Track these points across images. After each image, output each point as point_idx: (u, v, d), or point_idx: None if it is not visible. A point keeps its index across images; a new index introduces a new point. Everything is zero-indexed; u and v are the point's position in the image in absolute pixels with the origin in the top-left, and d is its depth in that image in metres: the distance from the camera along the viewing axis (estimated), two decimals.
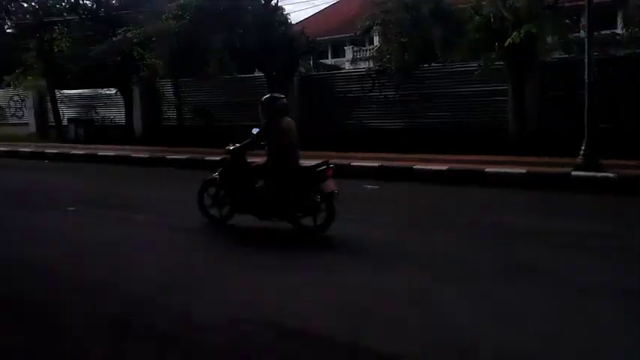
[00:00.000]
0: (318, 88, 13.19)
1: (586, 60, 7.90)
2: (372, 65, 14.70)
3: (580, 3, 8.29)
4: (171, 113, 15.50)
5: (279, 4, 13.83)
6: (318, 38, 16.97)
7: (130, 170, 10.77)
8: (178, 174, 10.08)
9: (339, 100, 12.81)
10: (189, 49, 14.07)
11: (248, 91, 13.62)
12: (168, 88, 15.47)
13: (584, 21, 9.17)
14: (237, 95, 14.04)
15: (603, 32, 12.36)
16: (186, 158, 11.09)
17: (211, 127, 14.17)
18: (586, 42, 7.97)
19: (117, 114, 16.71)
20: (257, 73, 14.45)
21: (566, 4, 10.55)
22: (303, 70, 14.54)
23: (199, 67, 13.92)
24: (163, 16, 14.50)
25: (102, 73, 14.84)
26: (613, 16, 16.74)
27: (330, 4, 27.48)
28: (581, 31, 10.81)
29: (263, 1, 13.34)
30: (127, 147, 13.77)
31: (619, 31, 13.54)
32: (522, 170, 7.79)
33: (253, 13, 13.34)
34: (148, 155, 11.88)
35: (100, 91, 16.80)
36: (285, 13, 15.57)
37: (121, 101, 16.11)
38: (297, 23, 19.24)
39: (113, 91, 16.30)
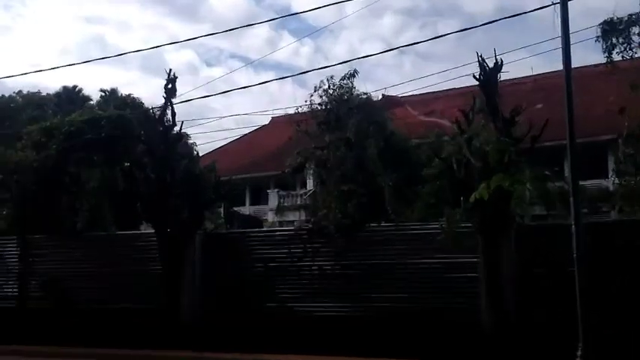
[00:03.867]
0: (230, 252, 13.19)
1: (573, 227, 8.38)
2: (303, 218, 15.52)
3: (564, 142, 8.93)
4: (10, 289, 14.45)
5: (182, 131, 14.28)
6: (234, 177, 17.48)
7: None
8: None
9: (259, 271, 12.79)
10: (51, 190, 14.06)
11: (131, 256, 13.51)
12: (10, 251, 14.64)
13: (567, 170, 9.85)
14: (113, 262, 13.67)
15: (590, 182, 13.33)
16: None
17: (69, 310, 13.37)
18: (572, 207, 8.43)
19: None
20: (145, 229, 14.35)
21: (546, 143, 11.46)
22: (210, 225, 14.62)
23: (63, 219, 13.74)
24: (19, 144, 14.67)
25: None
26: (603, 163, 18.77)
27: (250, 129, 29.25)
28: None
29: (161, 127, 13.80)
30: None
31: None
32: None
33: (147, 142, 13.77)
34: None
35: None
36: (191, 142, 16.28)
37: None
38: (205, 155, 19.99)
39: None
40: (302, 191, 24.00)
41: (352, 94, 15.05)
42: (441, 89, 19.68)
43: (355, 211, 12.50)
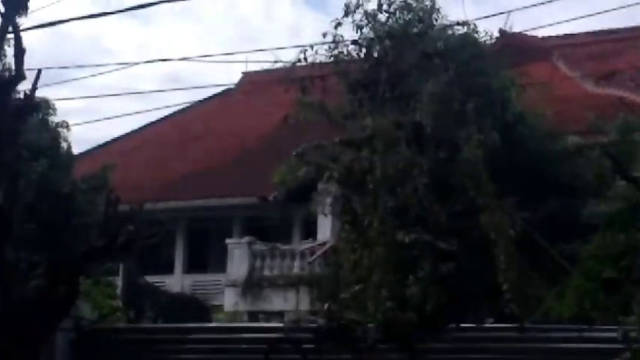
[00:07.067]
0: None
1: None
2: (306, 306, 15.01)
3: None
4: None
5: (37, 94, 11.61)
6: (149, 206, 14.71)
7: None
8: None
9: None
10: None
11: None
12: None
13: None
14: None
15: None
16: None
17: None
18: None
19: None
20: None
21: None
22: (88, 309, 13.82)
23: None
24: None
25: None
26: None
27: (191, 97, 25.48)
28: None
29: None
30: None
31: None
32: None
33: None
34: None
35: None
36: (56, 122, 14.32)
37: None
38: (90, 152, 19.25)
39: None
40: (305, 244, 19.72)
41: (432, 24, 12.73)
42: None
43: (429, 292, 10.69)
